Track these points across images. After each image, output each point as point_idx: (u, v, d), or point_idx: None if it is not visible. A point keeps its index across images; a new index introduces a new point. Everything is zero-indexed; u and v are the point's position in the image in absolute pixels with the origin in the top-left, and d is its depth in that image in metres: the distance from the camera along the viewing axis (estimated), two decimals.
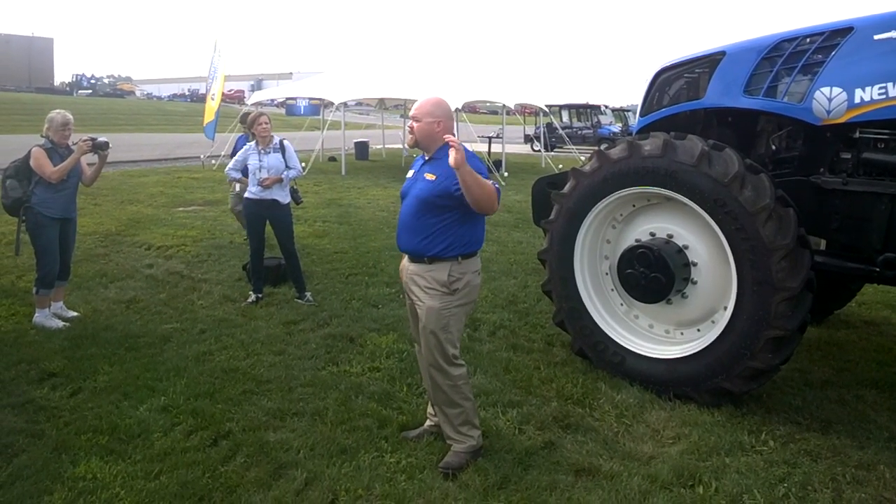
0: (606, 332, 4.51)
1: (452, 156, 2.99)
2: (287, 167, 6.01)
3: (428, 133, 3.33)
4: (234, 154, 6.57)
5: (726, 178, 3.81)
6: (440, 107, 3.36)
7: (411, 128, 3.40)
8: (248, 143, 6.19)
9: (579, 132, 28.10)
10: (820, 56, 3.91)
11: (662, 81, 5.00)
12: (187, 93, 72.46)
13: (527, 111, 28.95)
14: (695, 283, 4.21)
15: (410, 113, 3.44)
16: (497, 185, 3.22)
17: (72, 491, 3.08)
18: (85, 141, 5.21)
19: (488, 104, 29.13)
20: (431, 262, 3.31)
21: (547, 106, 23.80)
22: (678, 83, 4.89)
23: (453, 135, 3.34)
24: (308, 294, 6.13)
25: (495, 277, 7.02)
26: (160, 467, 3.28)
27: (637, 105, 5.45)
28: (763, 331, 3.74)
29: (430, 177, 3.31)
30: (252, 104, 20.72)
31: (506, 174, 16.83)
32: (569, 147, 22.74)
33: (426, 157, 3.42)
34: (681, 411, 3.96)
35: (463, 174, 3.03)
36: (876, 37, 3.70)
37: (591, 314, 4.58)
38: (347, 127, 19.84)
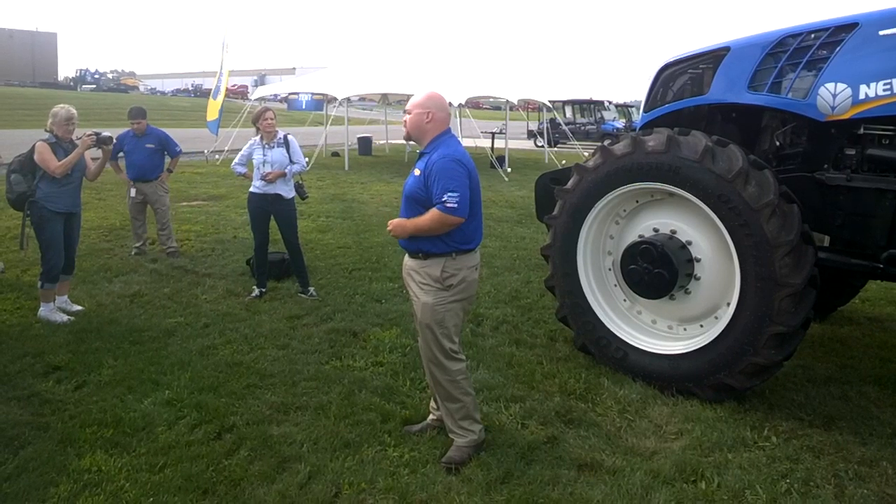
0: (609, 327, 4.52)
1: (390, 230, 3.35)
2: (291, 162, 6.02)
3: (417, 124, 3.33)
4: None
5: (730, 174, 3.81)
6: (432, 99, 3.35)
7: (405, 121, 3.41)
8: (252, 138, 6.20)
9: (583, 128, 28.09)
10: (825, 52, 3.90)
11: (666, 77, 4.98)
12: (191, 88, 72.47)
13: (530, 107, 28.86)
14: (698, 278, 4.20)
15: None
16: (445, 205, 3.13)
17: (77, 483, 3.11)
18: (89, 135, 5.23)
19: (491, 100, 29.03)
20: (426, 258, 3.32)
21: (550, 101, 23.74)
22: (682, 79, 4.87)
23: (449, 128, 3.36)
24: (311, 289, 6.15)
25: (498, 273, 7.03)
26: (164, 460, 3.30)
27: (641, 101, 5.43)
28: (766, 327, 3.74)
29: (417, 172, 3.31)
30: (255, 99, 20.73)
31: (509, 170, 16.83)
32: (572, 143, 22.71)
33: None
34: (683, 407, 3.97)
35: (408, 234, 3.29)
36: (881, 32, 3.68)
37: (594, 310, 4.58)
38: (351, 122, 19.82)
